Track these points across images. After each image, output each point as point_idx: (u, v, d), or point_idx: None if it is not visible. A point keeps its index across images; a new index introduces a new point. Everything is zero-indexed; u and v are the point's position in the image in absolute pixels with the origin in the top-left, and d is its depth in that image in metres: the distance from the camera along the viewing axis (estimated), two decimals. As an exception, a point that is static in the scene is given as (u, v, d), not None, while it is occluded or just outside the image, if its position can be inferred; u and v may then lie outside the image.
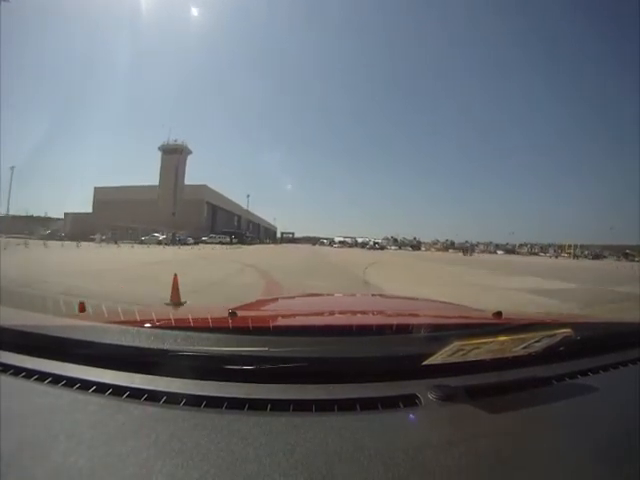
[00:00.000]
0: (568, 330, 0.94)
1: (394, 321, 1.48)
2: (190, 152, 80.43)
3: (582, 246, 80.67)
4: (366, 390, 0.87)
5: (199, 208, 76.53)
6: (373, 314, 1.89)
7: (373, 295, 3.52)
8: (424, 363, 0.87)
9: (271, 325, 1.35)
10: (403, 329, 1.15)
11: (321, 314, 1.76)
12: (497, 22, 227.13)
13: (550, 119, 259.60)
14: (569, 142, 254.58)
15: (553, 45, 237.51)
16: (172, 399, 0.81)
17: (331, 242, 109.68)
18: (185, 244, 44.19)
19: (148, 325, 1.14)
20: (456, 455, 0.68)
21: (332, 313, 1.81)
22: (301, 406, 0.81)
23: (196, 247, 39.91)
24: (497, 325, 1.29)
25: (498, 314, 1.35)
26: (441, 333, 1.04)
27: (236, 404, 0.80)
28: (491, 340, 0.87)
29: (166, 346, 0.93)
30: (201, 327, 1.19)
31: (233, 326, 1.18)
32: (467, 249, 77.54)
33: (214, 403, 0.80)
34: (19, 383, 0.87)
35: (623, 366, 1.10)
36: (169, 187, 72.61)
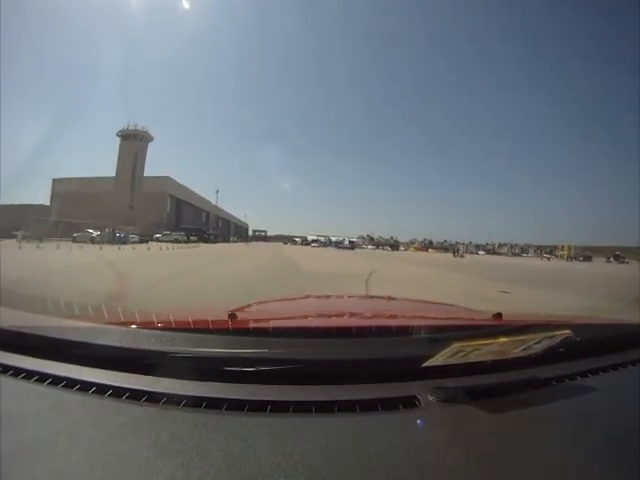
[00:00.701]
0: (568, 331, 0.96)
1: (394, 323, 1.54)
2: (151, 139, 72.87)
3: (568, 247, 76.51)
4: (366, 391, 0.87)
5: (161, 202, 69.03)
6: (373, 316, 1.90)
7: (373, 297, 3.54)
8: (424, 365, 0.88)
9: (271, 326, 1.36)
10: (403, 330, 1.16)
11: (321, 316, 1.79)
12: (494, 22, 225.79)
13: (537, 118, 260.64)
14: (554, 141, 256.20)
15: (544, 42, 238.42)
16: (172, 400, 0.81)
17: (303, 240, 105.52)
18: (126, 243, 36.18)
19: (148, 326, 1.13)
20: (456, 456, 0.68)
21: (332, 315, 1.86)
22: (301, 407, 0.81)
23: (140, 246, 31.74)
24: (497, 326, 1.31)
25: (498, 315, 1.36)
26: (441, 334, 1.05)
27: (236, 405, 0.80)
28: (491, 341, 0.88)
29: (166, 347, 0.93)
30: (201, 328, 1.20)
31: (233, 327, 1.19)
32: (457, 249, 69.92)
33: (214, 404, 0.80)
34: (19, 384, 0.87)
35: (623, 367, 1.11)
36: (127, 178, 65.35)
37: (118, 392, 0.83)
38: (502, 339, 0.89)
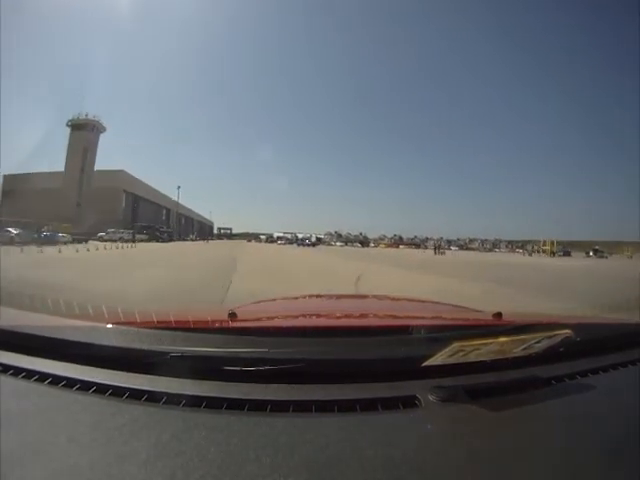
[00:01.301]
0: (568, 331, 0.96)
1: (394, 322, 1.55)
2: (104, 129, 67.06)
3: (551, 242, 73.53)
4: (366, 391, 0.88)
5: (114, 198, 63.42)
6: (373, 315, 1.89)
7: (373, 296, 3.27)
8: (424, 364, 0.88)
9: (271, 326, 1.38)
10: (403, 330, 1.16)
11: (321, 315, 1.79)
12: (477, 18, 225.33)
13: (510, 112, 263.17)
14: (523, 136, 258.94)
15: (524, 35, 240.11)
16: (172, 400, 0.81)
17: (268, 238, 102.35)
18: (55, 243, 28.97)
19: (148, 326, 1.14)
20: (456, 456, 0.69)
21: (332, 314, 1.84)
22: (301, 407, 0.81)
23: (67, 248, 25.00)
24: (497, 326, 1.31)
25: (498, 315, 1.36)
26: (441, 334, 1.05)
27: (236, 405, 0.80)
28: (491, 341, 0.88)
29: (166, 347, 0.93)
30: (201, 328, 1.21)
31: (233, 327, 1.20)
32: (438, 245, 62.48)
33: (214, 404, 0.81)
34: (19, 383, 0.87)
35: (623, 367, 1.12)
36: (76, 172, 59.73)
37: (118, 392, 0.83)
38: (502, 339, 0.90)
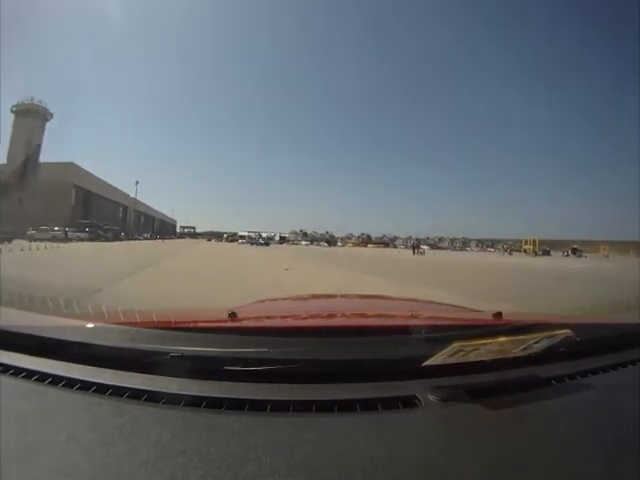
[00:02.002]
0: (568, 331, 0.96)
1: (394, 322, 1.56)
2: (51, 116, 61.04)
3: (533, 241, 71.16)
4: (366, 391, 0.88)
5: (63, 194, 57.51)
6: (373, 315, 1.90)
7: (373, 296, 3.17)
8: (424, 364, 0.88)
9: (271, 326, 1.39)
10: (403, 330, 1.16)
11: (321, 315, 1.79)
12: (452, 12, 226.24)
13: (489, 115, 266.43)
14: (491, 133, 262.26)
15: (505, 29, 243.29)
16: (172, 399, 0.82)
17: (229, 236, 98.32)
18: None
19: (148, 326, 1.14)
20: (456, 456, 0.69)
21: (332, 314, 1.84)
22: (301, 407, 0.81)
23: None
24: (497, 326, 1.31)
25: (498, 315, 1.36)
26: (441, 334, 1.05)
27: (236, 405, 0.81)
28: (491, 341, 0.89)
29: (166, 347, 0.94)
30: (201, 328, 1.22)
31: (233, 327, 1.20)
32: (417, 244, 53.64)
33: (214, 404, 0.81)
34: (19, 383, 0.88)
35: (623, 367, 1.12)
36: (19, 164, 54.13)
37: (118, 392, 0.83)
38: (502, 338, 0.90)
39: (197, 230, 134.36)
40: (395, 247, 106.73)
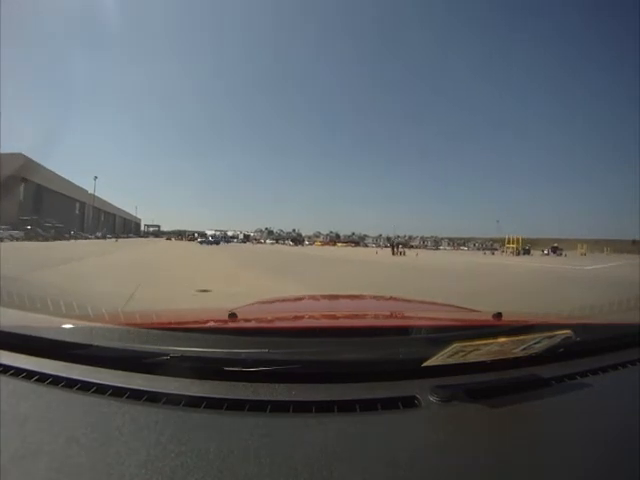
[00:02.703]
0: (568, 331, 0.96)
1: (394, 322, 1.57)
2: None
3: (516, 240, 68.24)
4: (366, 391, 0.88)
5: (9, 187, 51.44)
6: (373, 315, 1.90)
7: (373, 297, 3.09)
8: (424, 364, 0.88)
9: (271, 326, 1.39)
10: (403, 330, 1.17)
11: (321, 315, 1.79)
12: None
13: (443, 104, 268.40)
14: (459, 129, 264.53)
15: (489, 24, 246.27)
16: (172, 400, 0.82)
17: (189, 235, 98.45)
18: None
19: (148, 326, 1.15)
20: (456, 456, 0.69)
21: (332, 314, 1.86)
22: (301, 407, 0.82)
23: None
24: (497, 326, 1.31)
25: (498, 315, 1.35)
26: (441, 334, 1.06)
27: (236, 405, 0.81)
28: (491, 341, 0.88)
29: (166, 347, 0.94)
30: (201, 328, 1.22)
31: (233, 327, 1.20)
32: (395, 244, 49.01)
33: (214, 404, 0.81)
34: (19, 384, 0.88)
35: (622, 367, 1.12)
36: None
37: (118, 392, 0.84)
38: (502, 339, 0.90)
39: (165, 229, 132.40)
40: (366, 246, 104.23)
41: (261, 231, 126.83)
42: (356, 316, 1.84)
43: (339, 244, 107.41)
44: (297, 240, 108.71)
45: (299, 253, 39.11)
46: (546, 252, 68.15)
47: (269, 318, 1.71)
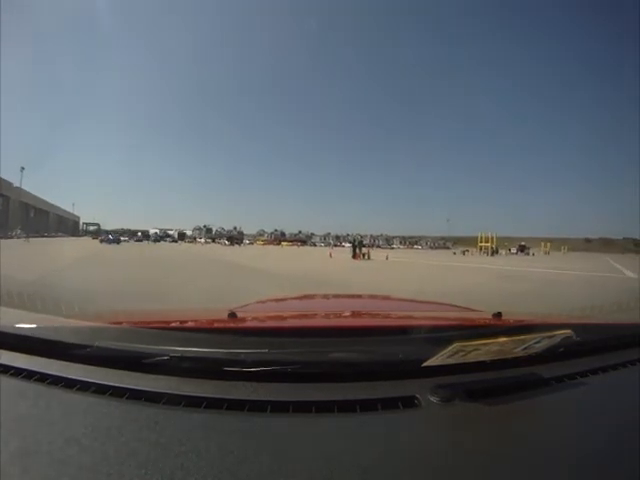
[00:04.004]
0: (568, 331, 0.97)
1: (394, 322, 1.56)
2: None
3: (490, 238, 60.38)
4: (366, 391, 0.88)
5: None
6: (373, 315, 1.90)
7: (373, 296, 3.18)
8: (424, 364, 0.88)
9: (271, 326, 1.39)
10: (403, 330, 1.16)
11: (321, 315, 1.78)
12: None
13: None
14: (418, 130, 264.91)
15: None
16: (172, 400, 0.82)
17: (109, 234, 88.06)
18: None
19: (148, 326, 1.15)
20: (456, 456, 0.69)
21: (332, 314, 1.84)
22: (301, 407, 0.81)
23: None
24: (497, 326, 1.32)
25: (498, 315, 1.36)
26: (441, 334, 1.05)
27: (236, 405, 0.81)
28: (491, 341, 0.89)
29: (166, 347, 0.93)
30: (201, 328, 1.23)
31: (233, 327, 1.20)
32: (359, 243, 33.96)
33: (214, 404, 0.81)
34: (19, 383, 0.88)
35: (622, 367, 1.12)
36: None
37: (118, 392, 0.83)
38: (502, 339, 0.90)
39: (109, 228, 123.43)
40: (314, 245, 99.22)
41: (199, 229, 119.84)
42: (356, 316, 1.82)
43: (284, 243, 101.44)
44: (233, 239, 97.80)
45: (228, 254, 31.73)
46: (514, 251, 66.47)
47: (269, 318, 1.71)
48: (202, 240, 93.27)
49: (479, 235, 64.95)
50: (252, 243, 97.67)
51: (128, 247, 42.47)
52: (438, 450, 0.70)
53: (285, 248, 65.83)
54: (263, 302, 2.51)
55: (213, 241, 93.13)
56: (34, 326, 1.10)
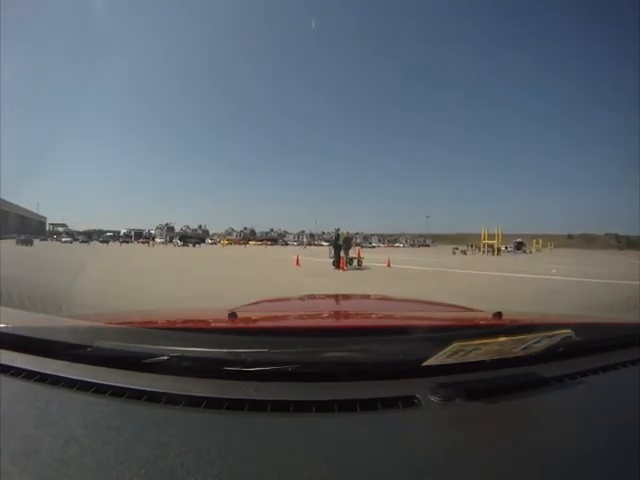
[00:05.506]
0: (568, 331, 0.97)
1: (394, 322, 1.56)
2: None
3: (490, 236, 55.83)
4: (366, 391, 0.88)
5: None
6: (373, 315, 1.90)
7: (373, 296, 3.07)
8: (424, 364, 0.88)
9: (271, 326, 1.40)
10: (403, 330, 1.16)
11: (321, 315, 1.79)
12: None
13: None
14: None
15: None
16: (172, 400, 0.82)
17: (68, 234, 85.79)
18: None
19: (148, 326, 1.16)
20: (456, 455, 0.69)
21: (332, 314, 1.87)
22: (301, 407, 0.82)
23: None
24: (497, 326, 1.31)
25: (498, 315, 1.35)
26: (441, 334, 1.06)
27: (236, 405, 0.81)
28: (491, 341, 0.89)
29: (166, 347, 0.94)
30: (201, 328, 1.23)
31: (233, 327, 1.21)
32: (344, 242, 18.62)
33: (214, 404, 0.81)
34: (19, 383, 0.88)
35: (623, 367, 1.12)
36: None
37: (118, 392, 0.84)
38: (502, 338, 0.90)
39: (79, 229, 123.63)
40: (286, 244, 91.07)
41: (161, 227, 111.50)
42: (356, 315, 1.83)
43: (252, 242, 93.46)
44: (187, 238, 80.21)
45: (149, 261, 23.06)
46: (509, 249, 61.71)
47: (269, 318, 1.71)
48: (158, 240, 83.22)
49: (482, 232, 58.31)
50: (213, 243, 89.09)
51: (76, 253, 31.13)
52: (438, 449, 0.70)
53: (248, 249, 57.45)
54: (263, 302, 2.51)
55: (170, 240, 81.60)
56: (34, 326, 1.10)
